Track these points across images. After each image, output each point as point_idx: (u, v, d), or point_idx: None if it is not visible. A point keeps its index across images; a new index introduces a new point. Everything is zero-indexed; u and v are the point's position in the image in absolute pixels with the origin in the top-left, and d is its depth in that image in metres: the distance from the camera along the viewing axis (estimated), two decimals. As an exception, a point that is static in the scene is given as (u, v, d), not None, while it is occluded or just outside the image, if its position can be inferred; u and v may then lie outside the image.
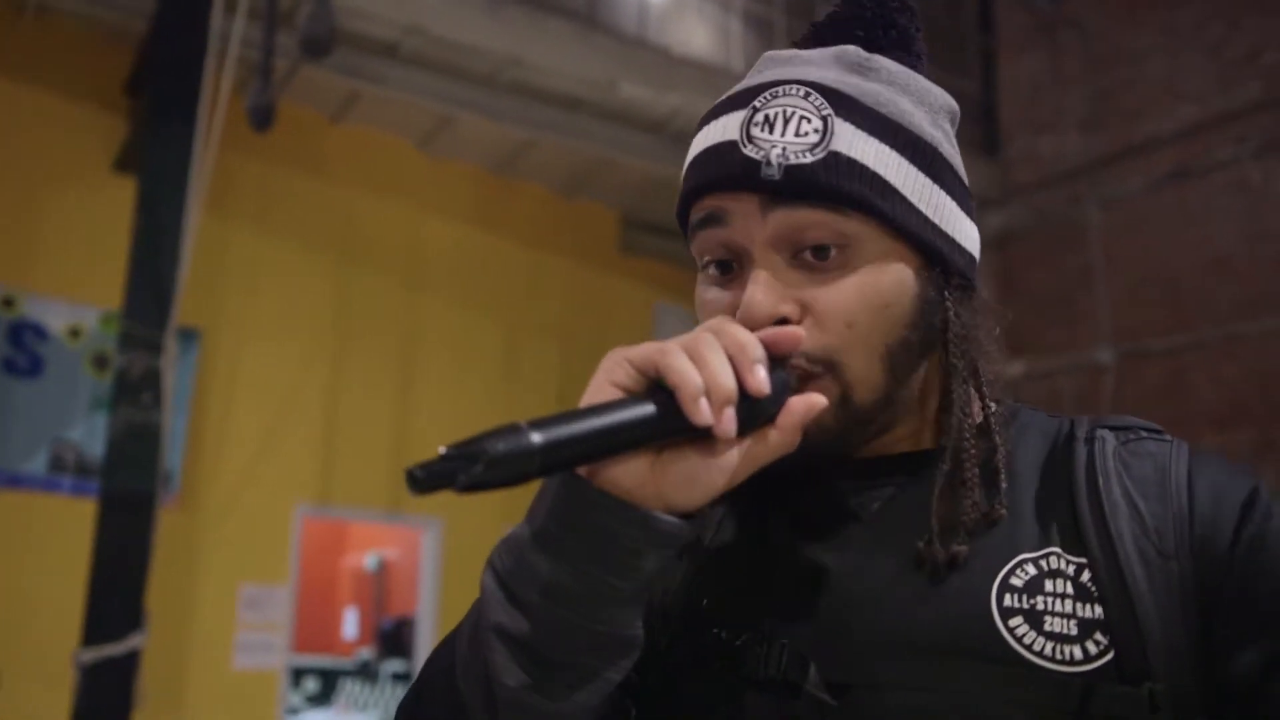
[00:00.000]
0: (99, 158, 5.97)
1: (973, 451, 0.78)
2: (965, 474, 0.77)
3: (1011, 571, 0.74)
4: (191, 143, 4.48)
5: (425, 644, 7.25)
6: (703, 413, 0.64)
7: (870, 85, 0.80)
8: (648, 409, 0.65)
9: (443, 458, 0.59)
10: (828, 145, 0.76)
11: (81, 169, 5.93)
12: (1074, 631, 0.71)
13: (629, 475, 0.66)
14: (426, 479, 0.58)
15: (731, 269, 0.80)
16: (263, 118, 4.88)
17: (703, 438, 0.67)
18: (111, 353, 5.28)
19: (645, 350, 0.67)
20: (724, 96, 0.83)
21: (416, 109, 6.55)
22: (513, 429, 0.60)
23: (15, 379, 5.67)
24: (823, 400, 0.71)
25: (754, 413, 0.68)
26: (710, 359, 0.66)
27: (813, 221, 0.76)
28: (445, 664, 0.78)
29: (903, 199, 0.77)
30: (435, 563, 7.00)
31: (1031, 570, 0.74)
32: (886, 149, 0.77)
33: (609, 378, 0.67)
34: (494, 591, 0.71)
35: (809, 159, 0.75)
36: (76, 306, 5.85)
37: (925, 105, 0.82)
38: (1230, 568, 0.73)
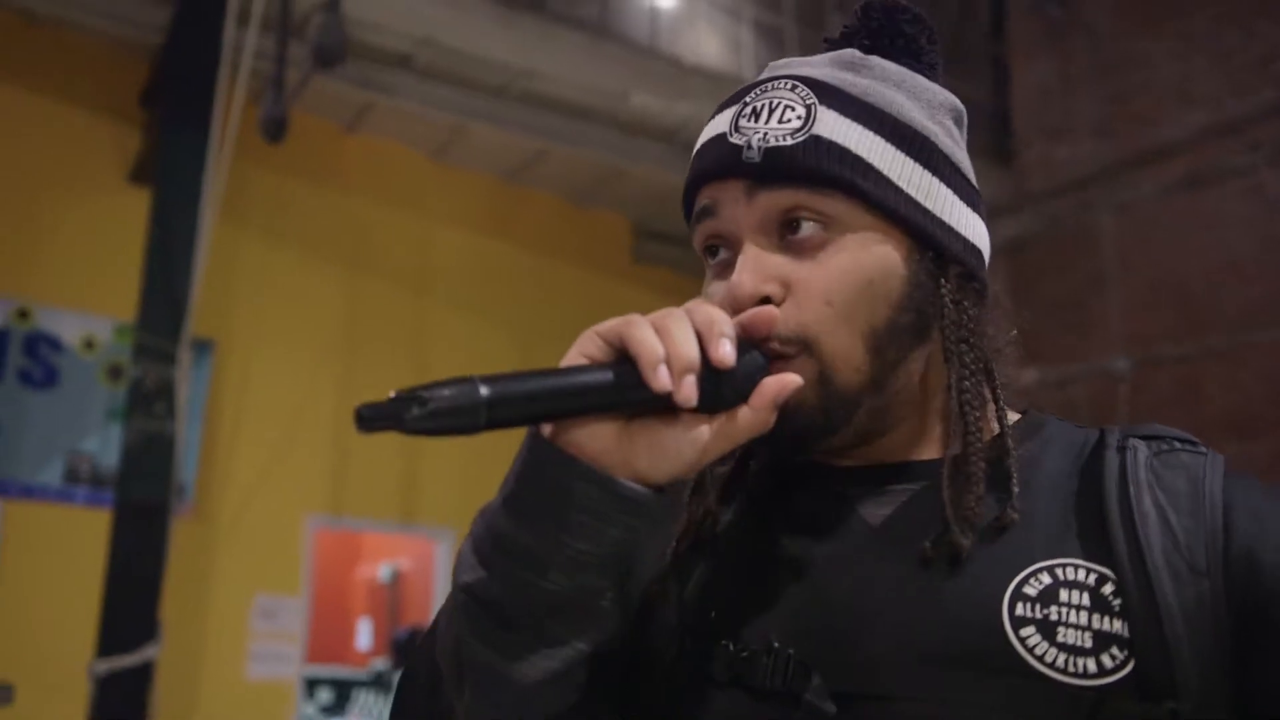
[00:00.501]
0: (113, 169, 6.00)
1: (979, 445, 0.77)
2: (970, 467, 0.76)
3: (1025, 580, 0.72)
4: (205, 154, 4.51)
5: (439, 654, 7.24)
6: (660, 378, 0.66)
7: (861, 80, 0.81)
8: (606, 375, 0.67)
9: (391, 400, 0.61)
10: (809, 130, 0.77)
11: (96, 181, 5.96)
12: (1089, 644, 0.69)
13: (594, 440, 0.68)
14: (372, 417, 0.61)
15: (728, 259, 0.81)
16: (276, 129, 4.91)
17: (671, 410, 0.68)
18: (126, 364, 5.30)
19: (613, 323, 0.69)
20: (725, 98, 0.86)
21: (429, 119, 6.58)
22: (464, 380, 0.63)
23: (30, 390, 5.70)
24: (796, 379, 0.71)
25: (725, 390, 0.69)
26: (674, 330, 0.68)
27: (795, 202, 0.77)
28: (428, 643, 0.81)
29: (887, 181, 0.78)
30: (449, 573, 6.99)
31: (1046, 579, 0.72)
32: (871, 134, 0.78)
33: (579, 349, 0.70)
34: (466, 554, 0.73)
35: (789, 142, 0.77)
36: (91, 318, 5.87)
37: (921, 100, 0.83)
38: (1274, 592, 0.70)
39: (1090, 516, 0.75)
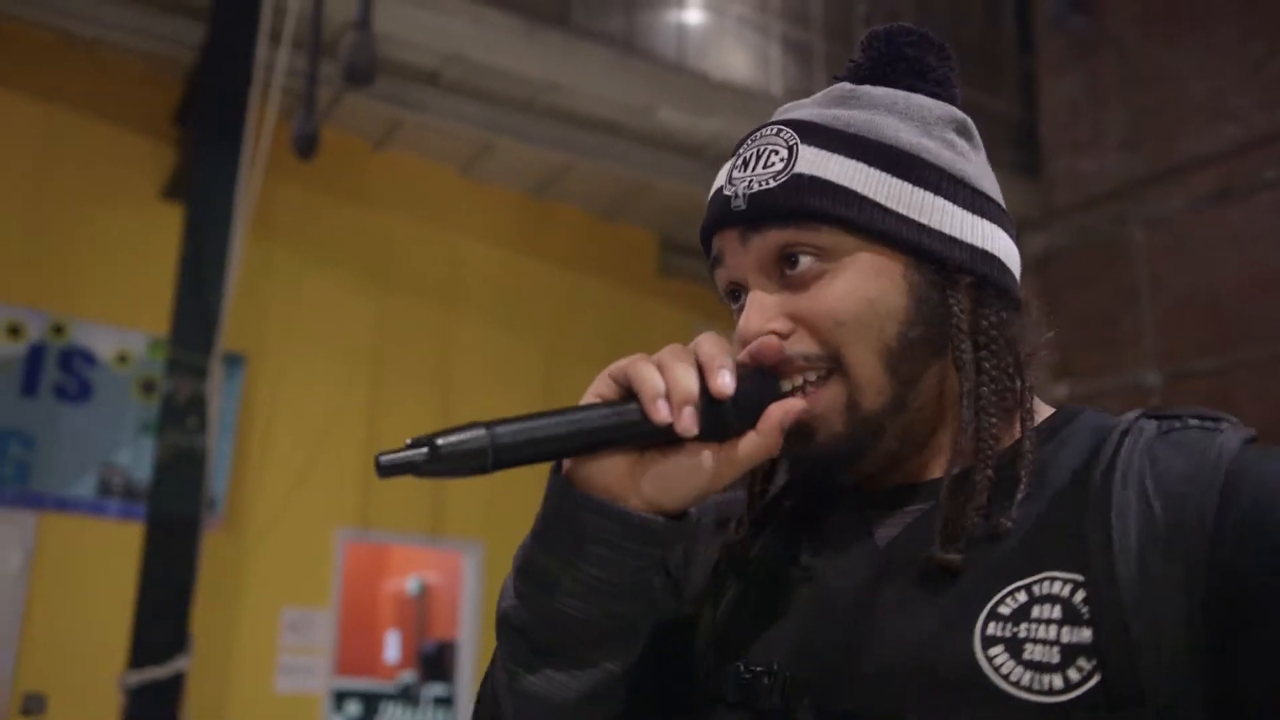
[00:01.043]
0: (147, 186, 6.07)
1: (989, 454, 0.77)
2: (976, 477, 0.76)
3: (1002, 600, 0.72)
4: (237, 170, 4.56)
5: (467, 667, 7.26)
6: (660, 411, 0.72)
7: (848, 112, 0.84)
8: (610, 411, 0.73)
9: (407, 446, 0.68)
10: (790, 169, 0.80)
11: (130, 197, 6.03)
12: (1056, 659, 0.68)
13: (606, 473, 0.74)
14: (390, 465, 0.67)
15: (745, 303, 0.84)
16: (307, 145, 4.96)
17: (677, 441, 0.74)
18: (158, 378, 5.36)
19: (621, 363, 0.75)
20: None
21: (457, 135, 6.63)
22: (472, 426, 0.69)
23: (65, 404, 5.77)
24: (800, 403, 0.76)
25: (730, 418, 0.74)
26: (673, 366, 0.73)
27: (785, 240, 0.80)
28: (491, 669, 0.86)
29: (873, 203, 0.79)
30: (477, 586, 7.02)
31: (1022, 597, 0.71)
32: (853, 163, 0.80)
33: (593, 389, 0.76)
34: (506, 585, 0.80)
35: (772, 184, 0.80)
36: (124, 332, 5.94)
37: (914, 120, 0.84)
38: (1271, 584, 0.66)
39: (1074, 516, 0.73)
